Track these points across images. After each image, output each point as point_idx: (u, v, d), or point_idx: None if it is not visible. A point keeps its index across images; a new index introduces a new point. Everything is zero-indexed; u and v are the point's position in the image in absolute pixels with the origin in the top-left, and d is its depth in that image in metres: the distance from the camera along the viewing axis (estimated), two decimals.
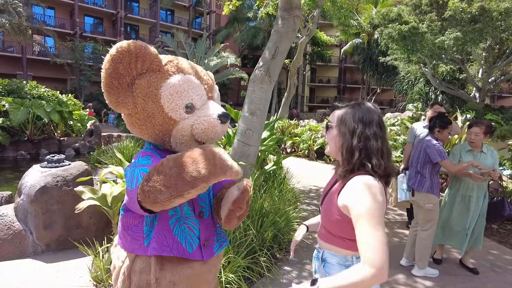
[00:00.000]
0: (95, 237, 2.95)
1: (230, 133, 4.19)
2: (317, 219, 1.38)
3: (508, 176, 5.04)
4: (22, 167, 7.56)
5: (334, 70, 34.10)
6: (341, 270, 1.06)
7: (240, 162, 3.07)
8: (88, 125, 11.72)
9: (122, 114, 1.18)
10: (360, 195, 1.03)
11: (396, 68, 15.49)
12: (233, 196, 1.16)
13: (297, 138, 10.32)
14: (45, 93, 10.42)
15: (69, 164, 3.41)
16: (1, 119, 8.93)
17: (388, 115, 12.87)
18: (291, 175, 5.85)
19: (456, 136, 4.70)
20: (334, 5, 9.80)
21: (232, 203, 1.15)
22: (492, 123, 4.45)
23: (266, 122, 4.08)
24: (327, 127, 1.20)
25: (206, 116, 1.10)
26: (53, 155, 3.45)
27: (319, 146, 9.62)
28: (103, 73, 1.04)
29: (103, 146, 9.64)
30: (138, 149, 6.77)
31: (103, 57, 1.08)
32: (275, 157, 5.22)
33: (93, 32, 25.84)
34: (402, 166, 3.80)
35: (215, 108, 1.13)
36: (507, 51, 10.83)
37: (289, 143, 10.67)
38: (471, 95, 12.52)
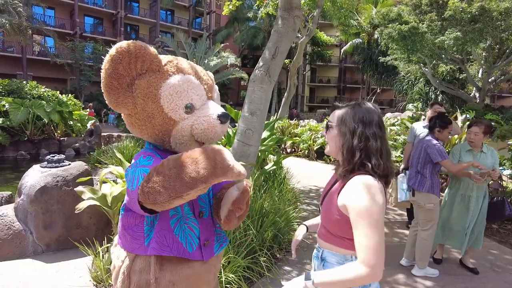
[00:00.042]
0: (95, 237, 2.95)
1: (230, 133, 4.19)
2: (316, 220, 1.38)
3: (508, 176, 5.04)
4: (22, 167, 7.56)
5: (334, 70, 34.10)
6: None
7: (240, 162, 3.06)
8: (88, 125, 11.73)
9: (122, 114, 1.18)
10: (359, 195, 1.03)
11: (396, 68, 15.50)
12: (232, 197, 1.16)
13: (297, 138, 10.33)
14: (45, 93, 10.43)
15: (69, 164, 3.41)
16: (1, 119, 8.93)
17: (388, 115, 12.87)
18: (291, 175, 5.85)
19: (456, 136, 4.70)
20: (334, 5, 9.80)
21: (231, 203, 1.15)
22: (492, 123, 4.45)
23: (266, 122, 4.08)
24: (327, 127, 1.20)
25: (206, 116, 1.10)
26: (53, 155, 3.46)
27: (319, 146, 9.63)
28: (102, 73, 1.04)
29: (103, 146, 9.64)
30: (138, 149, 6.77)
31: (103, 57, 1.08)
32: (275, 157, 5.22)
33: (93, 32, 25.85)
34: (402, 166, 3.81)
35: (215, 108, 1.13)
36: (507, 51, 10.83)
37: (289, 143, 10.67)
38: (471, 95, 12.52)
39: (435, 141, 2.86)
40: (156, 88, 1.07)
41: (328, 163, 9.14)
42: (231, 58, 19.47)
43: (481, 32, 8.82)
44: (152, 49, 1.09)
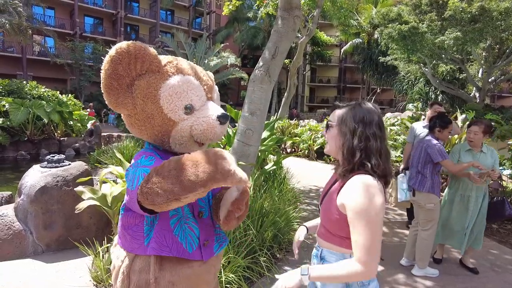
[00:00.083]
0: (95, 237, 2.95)
1: (230, 133, 4.19)
2: (316, 221, 1.38)
3: (508, 176, 5.04)
4: (22, 167, 7.56)
5: (334, 70, 34.10)
6: None
7: (240, 162, 3.07)
8: (89, 125, 11.73)
9: (122, 115, 1.18)
10: (358, 194, 1.04)
11: (396, 68, 15.50)
12: (232, 197, 1.16)
13: (297, 138, 10.33)
14: (45, 93, 10.43)
15: (69, 164, 3.41)
16: (1, 119, 8.93)
17: (388, 115, 12.87)
18: (291, 175, 5.85)
19: (456, 136, 4.71)
20: (334, 5, 9.79)
21: (231, 204, 1.15)
22: (492, 123, 4.45)
23: (266, 122, 4.08)
24: (328, 126, 1.21)
25: (205, 117, 1.10)
26: (53, 155, 3.46)
27: (319, 146, 9.63)
28: (102, 74, 1.04)
29: (103, 146, 9.64)
30: (138, 149, 6.77)
31: (102, 57, 1.08)
32: (275, 157, 5.22)
33: (93, 32, 25.85)
34: (402, 166, 3.80)
35: (214, 109, 1.13)
36: (507, 50, 10.83)
37: (289, 143, 10.67)
38: (471, 95, 12.52)
39: (435, 141, 2.86)
40: (155, 88, 1.07)
41: (328, 163, 9.14)
42: (231, 58, 19.48)
43: (481, 32, 8.82)
44: (152, 49, 1.09)
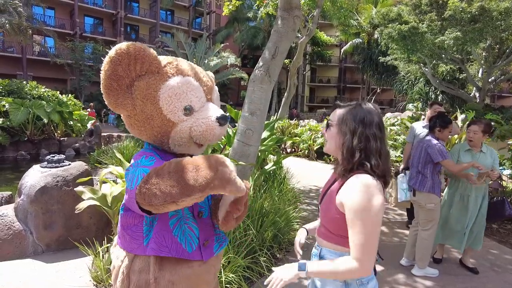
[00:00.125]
0: (95, 237, 2.95)
1: (230, 133, 4.19)
2: (315, 223, 1.38)
3: (508, 176, 5.04)
4: (22, 167, 7.56)
5: (334, 70, 34.10)
6: None
7: (240, 162, 3.07)
8: (89, 125, 11.73)
9: (121, 115, 1.18)
10: (357, 194, 1.05)
11: (396, 68, 15.50)
12: (230, 198, 1.16)
13: (297, 138, 10.33)
14: (45, 93, 10.43)
15: (69, 164, 3.41)
16: (1, 119, 8.94)
17: (388, 115, 12.87)
18: (291, 175, 5.85)
19: (456, 136, 4.71)
20: (334, 5, 9.78)
21: (229, 204, 1.15)
22: (492, 123, 4.45)
23: (266, 122, 4.08)
24: (328, 125, 1.21)
25: (205, 119, 1.10)
26: (53, 155, 3.46)
27: (319, 146, 9.63)
28: (102, 74, 1.04)
29: (103, 146, 9.65)
30: (138, 149, 6.77)
31: (102, 58, 1.08)
32: (275, 157, 5.22)
33: (93, 32, 25.85)
34: (402, 166, 3.80)
35: (214, 110, 1.13)
36: (507, 50, 10.83)
37: (289, 143, 10.67)
38: (471, 95, 12.52)
39: (435, 141, 2.86)
40: (155, 90, 1.07)
41: (328, 163, 9.14)
42: (231, 58, 19.48)
43: (481, 32, 8.82)
44: (152, 50, 1.09)
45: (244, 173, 3.28)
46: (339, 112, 1.18)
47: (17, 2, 15.65)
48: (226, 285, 2.33)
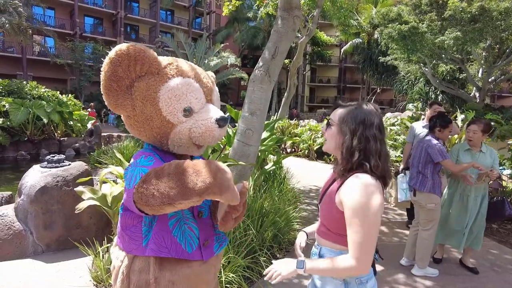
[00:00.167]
0: (95, 237, 2.95)
1: (230, 133, 4.19)
2: (315, 226, 1.38)
3: (508, 176, 5.04)
4: (22, 167, 7.57)
5: (334, 70, 34.10)
6: None
7: (240, 162, 3.07)
8: (89, 124, 11.73)
9: (121, 115, 1.18)
10: (356, 193, 1.05)
11: (396, 68, 15.50)
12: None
13: (297, 138, 10.32)
14: (45, 94, 10.43)
15: (69, 164, 3.41)
16: (1, 119, 8.94)
17: (388, 115, 12.86)
18: (291, 175, 5.85)
19: (456, 136, 4.71)
20: (334, 5, 9.78)
21: (228, 205, 1.15)
22: (492, 123, 4.45)
23: (266, 122, 4.08)
24: (328, 124, 1.21)
25: (204, 120, 1.10)
26: (53, 155, 3.46)
27: (319, 146, 9.62)
28: (102, 75, 1.04)
29: (103, 146, 9.65)
30: (138, 149, 6.77)
31: (102, 58, 1.08)
32: (275, 157, 5.22)
33: (93, 32, 25.85)
34: (401, 166, 3.80)
35: (214, 112, 1.13)
36: (507, 50, 10.83)
37: (289, 143, 10.67)
38: (471, 95, 12.52)
39: (435, 141, 2.86)
40: (155, 91, 1.07)
41: (328, 163, 9.15)
42: (231, 58, 19.49)
43: (481, 32, 8.82)
44: (152, 51, 1.09)
45: (244, 173, 3.28)
46: (340, 111, 1.19)
47: (17, 2, 15.64)
48: (226, 285, 2.33)
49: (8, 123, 8.94)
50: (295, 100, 30.04)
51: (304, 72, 31.35)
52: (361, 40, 24.13)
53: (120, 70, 1.03)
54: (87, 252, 2.70)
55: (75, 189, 2.89)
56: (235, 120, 4.29)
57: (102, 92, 1.07)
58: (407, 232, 3.89)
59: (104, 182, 2.85)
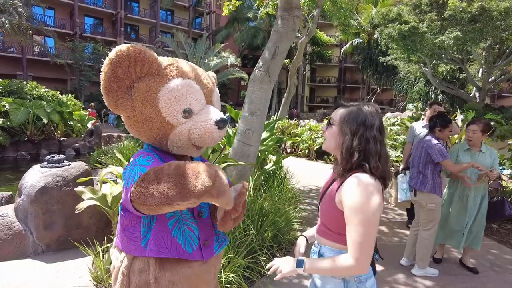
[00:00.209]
0: (95, 237, 2.95)
1: (230, 133, 4.19)
2: (314, 229, 1.38)
3: (508, 176, 5.04)
4: (22, 168, 7.57)
5: (334, 70, 34.10)
6: None
7: (240, 162, 3.07)
8: (89, 125, 11.73)
9: (121, 116, 1.18)
10: (355, 192, 1.06)
11: (396, 68, 15.50)
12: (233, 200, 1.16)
13: (297, 138, 10.32)
14: (45, 94, 10.43)
15: (69, 165, 3.41)
16: (1, 119, 8.94)
17: (388, 115, 12.86)
18: (291, 175, 5.85)
19: (456, 136, 4.71)
20: (334, 5, 9.78)
21: None
22: (492, 123, 4.45)
23: (266, 122, 4.08)
24: (329, 123, 1.22)
25: (204, 122, 1.10)
26: (53, 155, 3.46)
27: (319, 146, 9.62)
28: (102, 76, 1.04)
29: (103, 146, 9.65)
30: (138, 149, 6.76)
31: (102, 59, 1.08)
32: (275, 157, 5.22)
33: (93, 33, 25.85)
34: (401, 166, 3.80)
35: (213, 113, 1.13)
36: (507, 50, 10.83)
37: (289, 143, 10.67)
38: (471, 95, 12.52)
39: (435, 141, 2.86)
40: (154, 92, 1.07)
41: (328, 163, 9.14)
42: (231, 58, 19.50)
43: (481, 32, 8.82)
44: (152, 52, 1.09)
45: (244, 173, 3.28)
46: (341, 111, 1.19)
47: (17, 2, 15.64)
48: (226, 285, 2.33)
49: (8, 123, 8.94)
50: (295, 100, 30.04)
51: (304, 72, 31.35)
52: (361, 40, 24.13)
53: (120, 71, 1.03)
54: (87, 252, 2.70)
55: (75, 189, 2.89)
56: (235, 120, 4.29)
57: (102, 93, 1.07)
58: (407, 232, 3.89)
59: (104, 182, 2.85)
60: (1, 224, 3.00)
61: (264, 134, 4.27)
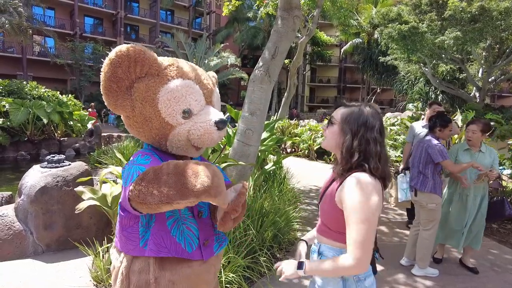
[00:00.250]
0: (95, 237, 2.95)
1: (230, 133, 4.19)
2: (314, 232, 1.38)
3: (508, 176, 5.04)
4: (23, 168, 7.57)
5: (334, 70, 34.10)
6: None
7: (240, 162, 3.07)
8: (89, 125, 11.73)
9: (121, 115, 1.18)
10: (354, 191, 1.07)
11: (396, 68, 15.50)
12: (229, 199, 1.16)
13: (297, 138, 10.33)
14: (45, 94, 10.43)
15: (69, 165, 3.41)
16: (1, 119, 8.94)
17: (388, 115, 12.86)
18: (291, 175, 5.86)
19: (456, 136, 4.72)
20: (334, 5, 9.78)
21: (227, 205, 1.15)
22: (492, 123, 4.45)
23: (266, 122, 4.08)
24: (330, 122, 1.22)
25: (203, 122, 1.10)
26: (53, 155, 3.45)
27: (319, 146, 9.62)
28: (102, 76, 1.05)
29: (103, 146, 9.65)
30: (138, 149, 6.76)
31: (102, 59, 1.08)
32: (275, 157, 5.22)
33: (93, 33, 25.86)
34: (401, 166, 3.80)
35: (213, 114, 1.13)
36: (507, 50, 10.83)
37: (289, 143, 10.67)
38: (471, 95, 12.52)
39: (435, 141, 2.86)
40: (154, 92, 1.07)
41: (328, 163, 9.14)
42: (231, 58, 19.51)
43: (481, 32, 8.82)
44: (152, 53, 1.09)
45: (244, 173, 3.29)
46: (342, 111, 1.20)
47: (17, 2, 15.65)
48: (226, 285, 2.33)
49: (8, 123, 8.94)
50: (295, 100, 30.04)
51: (304, 72, 31.35)
52: (361, 40, 24.12)
53: (120, 71, 1.03)
54: (87, 252, 2.70)
55: (75, 189, 2.89)
56: (235, 120, 4.29)
57: (102, 93, 1.07)
58: (407, 232, 3.89)
59: (104, 182, 2.86)
60: (1, 224, 3.00)
61: (264, 134, 4.27)
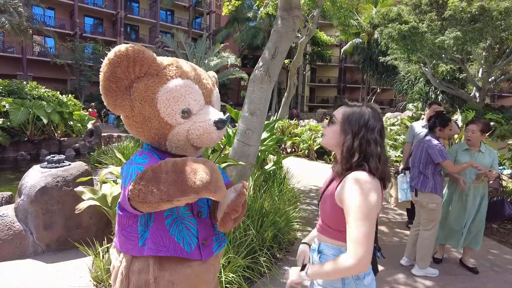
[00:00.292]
0: (95, 237, 2.95)
1: (230, 133, 4.19)
2: (314, 233, 1.38)
3: (508, 176, 5.04)
4: (23, 168, 7.57)
5: (334, 70, 34.10)
6: None
7: (240, 162, 3.07)
8: (89, 125, 11.73)
9: (121, 115, 1.18)
10: (353, 190, 1.08)
11: (396, 68, 15.51)
12: (228, 199, 1.16)
13: (297, 138, 10.33)
14: (45, 94, 10.43)
15: (69, 165, 3.41)
16: (1, 119, 8.94)
17: (388, 115, 12.87)
18: (291, 175, 5.86)
19: (456, 136, 4.71)
20: (334, 5, 9.78)
21: (227, 205, 1.15)
22: (492, 123, 4.45)
23: (266, 122, 4.08)
24: (331, 121, 1.23)
25: (202, 122, 1.10)
26: (53, 155, 3.46)
27: (319, 146, 9.62)
28: (101, 76, 1.05)
29: (103, 146, 9.64)
30: (138, 149, 6.76)
31: (102, 59, 1.08)
32: (275, 157, 5.22)
33: (93, 33, 25.86)
34: (401, 166, 3.80)
35: (212, 114, 1.13)
36: (507, 50, 10.83)
37: (289, 143, 10.67)
38: (471, 95, 12.52)
39: (435, 141, 2.86)
40: (153, 92, 1.07)
41: (328, 163, 9.14)
42: (231, 58, 19.52)
43: (481, 32, 8.82)
44: (151, 53, 1.09)
45: (244, 173, 3.28)
46: (344, 110, 1.20)
47: (17, 2, 15.65)
48: (226, 285, 2.33)
49: (8, 123, 8.94)
50: (295, 100, 30.04)
51: (304, 72, 31.35)
52: (361, 40, 24.12)
53: (119, 71, 1.03)
54: (87, 252, 2.70)
55: (75, 189, 2.89)
56: (235, 120, 4.29)
57: (101, 93, 1.07)
58: (407, 232, 3.89)
59: (104, 182, 2.86)
60: (1, 224, 3.00)
61: (264, 134, 4.27)
